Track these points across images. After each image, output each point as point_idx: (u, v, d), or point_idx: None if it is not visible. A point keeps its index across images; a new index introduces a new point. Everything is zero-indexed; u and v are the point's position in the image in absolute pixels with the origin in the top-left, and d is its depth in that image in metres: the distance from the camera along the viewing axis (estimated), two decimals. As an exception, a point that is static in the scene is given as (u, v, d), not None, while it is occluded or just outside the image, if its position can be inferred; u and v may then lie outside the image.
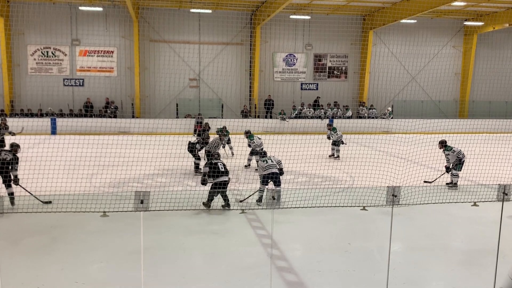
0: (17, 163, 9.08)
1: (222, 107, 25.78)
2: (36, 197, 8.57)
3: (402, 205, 6.28)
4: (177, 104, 25.32)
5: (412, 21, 26.30)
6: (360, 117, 26.12)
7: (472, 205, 9.38)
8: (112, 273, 6.14)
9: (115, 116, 24.03)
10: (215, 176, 8.94)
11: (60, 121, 22.53)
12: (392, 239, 5.76)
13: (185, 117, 24.44)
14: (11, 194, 8.81)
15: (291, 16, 25.74)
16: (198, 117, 23.47)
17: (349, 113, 26.12)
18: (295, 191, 9.81)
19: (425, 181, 11.61)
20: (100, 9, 23.98)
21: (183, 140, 13.25)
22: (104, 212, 8.13)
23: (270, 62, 27.05)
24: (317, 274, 6.21)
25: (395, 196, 5.65)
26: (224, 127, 15.25)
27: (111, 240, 7.32)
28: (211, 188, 8.98)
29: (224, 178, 9.02)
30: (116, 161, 12.79)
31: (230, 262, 6.59)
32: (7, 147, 12.14)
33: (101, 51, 25.01)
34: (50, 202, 8.80)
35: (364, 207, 8.93)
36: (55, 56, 24.72)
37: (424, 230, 8.26)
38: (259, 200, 9.47)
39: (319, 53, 27.56)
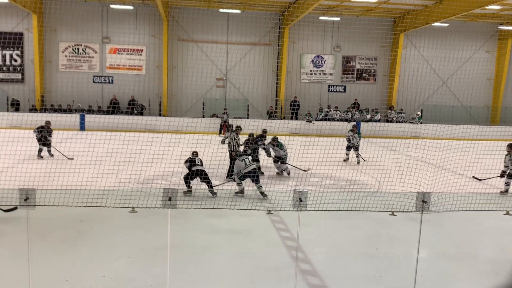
0: None
1: (248, 108, 25.85)
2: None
3: (432, 211, 6.17)
4: (203, 103, 25.53)
5: (445, 24, 25.85)
6: (389, 121, 25.78)
7: (504, 214, 9.16)
8: (138, 268, 6.22)
9: (141, 114, 24.40)
10: (191, 166, 10.40)
11: (88, 117, 22.99)
12: (420, 246, 5.67)
13: (211, 117, 24.61)
14: None
15: (320, 18, 25.63)
16: (224, 114, 23.42)
17: (378, 116, 25.84)
18: (321, 194, 9.75)
19: (474, 177, 11.33)
20: (131, 7, 24.38)
21: (209, 139, 13.33)
22: (133, 208, 8.25)
23: (298, 63, 26.98)
24: (343, 279, 6.16)
25: (425, 202, 5.55)
26: (239, 127, 14.81)
27: (138, 236, 7.42)
28: (187, 175, 10.41)
29: (199, 167, 10.29)
30: (142, 158, 12.99)
31: (254, 262, 6.60)
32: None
33: (131, 49, 25.41)
34: (15, 208, 7.74)
35: (392, 212, 8.81)
36: (85, 53, 25.24)
37: (454, 238, 8.10)
38: (241, 192, 10.36)
39: (348, 55, 27.35)
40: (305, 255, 6.84)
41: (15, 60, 24.81)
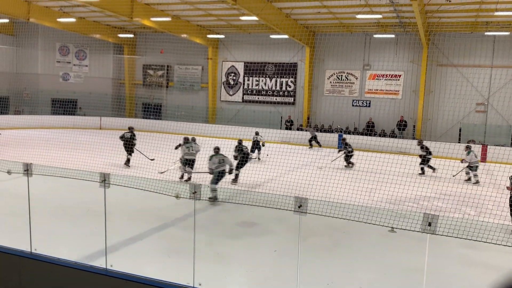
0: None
1: (512, 135, 22.67)
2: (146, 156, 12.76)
3: None
4: (460, 129, 23.61)
5: None
6: None
7: None
8: (393, 287, 6.19)
9: (394, 136, 24.17)
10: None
11: (346, 137, 24.01)
12: None
13: (467, 142, 22.53)
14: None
15: None
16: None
17: None
18: None
19: None
20: (392, 36, 24.51)
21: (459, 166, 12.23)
22: (392, 228, 8.26)
23: None
24: None
25: None
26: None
27: (393, 255, 7.37)
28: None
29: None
30: (392, 178, 12.86)
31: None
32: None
33: (389, 75, 25.51)
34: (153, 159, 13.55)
35: None
36: (347, 80, 26.55)
37: None
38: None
39: None
40: None
41: (289, 86, 27.95)
